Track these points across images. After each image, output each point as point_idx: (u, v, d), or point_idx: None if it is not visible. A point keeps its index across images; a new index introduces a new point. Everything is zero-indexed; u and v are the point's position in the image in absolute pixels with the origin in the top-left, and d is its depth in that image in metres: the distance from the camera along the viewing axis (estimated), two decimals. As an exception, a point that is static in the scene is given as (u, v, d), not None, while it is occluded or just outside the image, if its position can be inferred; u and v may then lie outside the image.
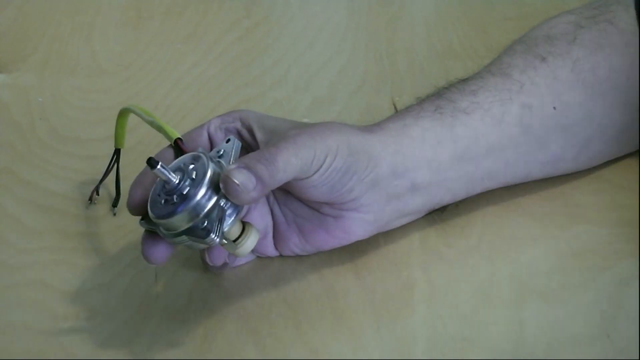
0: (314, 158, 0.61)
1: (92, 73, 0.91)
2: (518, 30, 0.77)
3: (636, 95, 0.71)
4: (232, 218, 0.60)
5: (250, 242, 0.61)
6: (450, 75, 0.75)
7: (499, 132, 0.68)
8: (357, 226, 0.65)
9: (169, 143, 0.64)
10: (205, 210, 0.59)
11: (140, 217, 0.62)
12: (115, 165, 0.73)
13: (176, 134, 0.64)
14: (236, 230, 0.60)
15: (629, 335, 0.61)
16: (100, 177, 0.74)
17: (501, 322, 0.63)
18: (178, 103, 0.86)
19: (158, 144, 0.70)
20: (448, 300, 0.64)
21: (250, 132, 0.65)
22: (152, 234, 0.61)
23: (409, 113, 0.68)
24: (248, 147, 0.65)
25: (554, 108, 0.69)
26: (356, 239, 0.66)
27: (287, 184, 0.61)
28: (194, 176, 0.59)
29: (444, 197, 0.68)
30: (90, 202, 0.73)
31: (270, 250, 0.67)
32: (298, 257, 0.67)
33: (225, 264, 0.65)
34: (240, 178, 0.58)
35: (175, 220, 0.59)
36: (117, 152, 0.73)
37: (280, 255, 0.68)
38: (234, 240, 0.60)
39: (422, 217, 0.69)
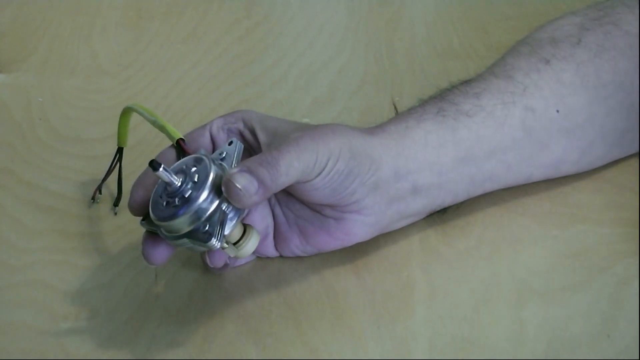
0: (316, 161, 0.61)
1: (92, 73, 0.91)
2: (518, 30, 0.77)
3: (638, 97, 0.71)
4: (234, 221, 0.59)
5: (250, 244, 0.60)
6: (450, 75, 0.74)
7: (502, 134, 0.68)
8: (359, 228, 0.65)
9: (170, 143, 0.64)
10: (207, 213, 0.58)
11: (141, 218, 0.62)
12: (118, 164, 0.73)
13: (178, 134, 0.64)
14: (237, 233, 0.60)
15: (629, 335, 0.61)
16: (100, 176, 0.74)
17: (501, 322, 0.63)
18: (178, 103, 0.86)
19: (159, 144, 0.71)
20: (448, 300, 0.64)
21: (253, 133, 0.64)
22: (152, 234, 0.61)
23: (411, 115, 0.68)
24: (250, 148, 0.65)
25: (557, 111, 0.69)
26: (357, 241, 0.66)
27: (289, 186, 0.61)
28: (196, 179, 0.59)
29: (446, 199, 0.68)
30: (93, 201, 0.73)
31: (271, 251, 0.67)
32: (298, 258, 0.67)
33: (225, 265, 0.65)
34: (242, 182, 0.58)
35: (177, 223, 0.59)
36: (119, 150, 0.73)
37: (281, 256, 0.68)
38: (235, 243, 0.60)
39: (423, 218, 0.69)
